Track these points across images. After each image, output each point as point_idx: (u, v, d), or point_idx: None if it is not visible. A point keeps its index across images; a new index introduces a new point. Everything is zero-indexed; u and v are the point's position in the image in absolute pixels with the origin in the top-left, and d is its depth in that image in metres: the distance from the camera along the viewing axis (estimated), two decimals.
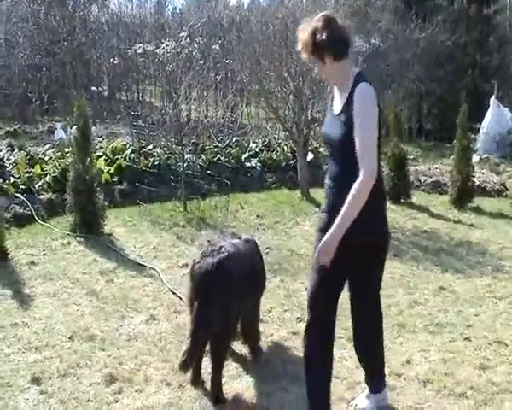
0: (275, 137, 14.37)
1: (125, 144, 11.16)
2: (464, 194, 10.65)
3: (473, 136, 17.21)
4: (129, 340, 5.35)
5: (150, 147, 11.39)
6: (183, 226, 8.70)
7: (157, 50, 9.65)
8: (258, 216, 9.49)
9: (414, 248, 8.23)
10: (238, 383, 4.76)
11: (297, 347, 5.19)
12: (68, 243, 7.73)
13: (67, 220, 8.18)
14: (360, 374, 4.61)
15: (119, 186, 9.81)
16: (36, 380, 4.63)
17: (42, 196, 9.04)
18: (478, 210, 10.47)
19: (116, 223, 8.61)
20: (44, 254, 7.36)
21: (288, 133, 10.81)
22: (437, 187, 12.21)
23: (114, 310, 5.92)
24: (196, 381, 4.67)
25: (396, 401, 4.54)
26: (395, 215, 10.04)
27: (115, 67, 17.73)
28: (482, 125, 16.14)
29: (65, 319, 5.68)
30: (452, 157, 14.70)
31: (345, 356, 5.12)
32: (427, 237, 8.84)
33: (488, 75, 18.76)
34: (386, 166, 11.01)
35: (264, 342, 5.38)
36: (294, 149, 12.68)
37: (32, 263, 7.04)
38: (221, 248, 4.66)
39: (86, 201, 7.74)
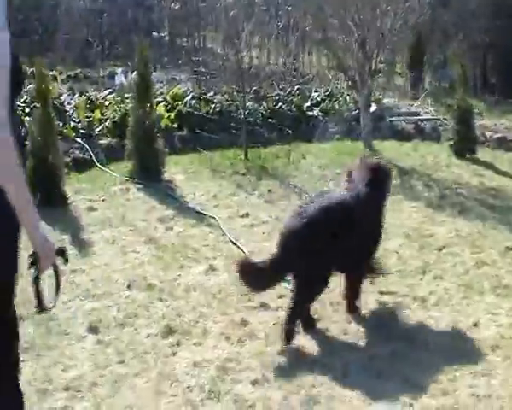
0: (337, 87, 13.93)
1: (185, 90, 10.93)
2: None
3: None
4: (187, 291, 5.19)
5: (211, 93, 11.12)
6: (244, 175, 8.48)
7: None
8: (320, 167, 9.17)
9: (480, 206, 7.79)
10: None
11: None
12: (127, 189, 7.62)
13: (126, 166, 8.06)
14: None
15: (180, 133, 9.62)
16: (93, 329, 4.52)
17: (101, 141, 8.95)
18: None
19: (176, 170, 8.44)
20: (103, 200, 7.28)
21: (351, 83, 10.35)
22: (503, 143, 11.60)
23: (173, 259, 5.77)
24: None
25: (463, 366, 4.26)
26: (460, 171, 9.58)
27: (175, 11, 17.42)
28: None
29: (123, 266, 5.57)
30: None
31: None
32: (493, 194, 8.37)
33: None
34: (452, 120, 10.54)
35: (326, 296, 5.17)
36: (357, 99, 12.28)
37: (91, 209, 6.96)
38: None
39: (146, 146, 7.60)
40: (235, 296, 5.12)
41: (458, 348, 4.47)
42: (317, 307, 4.90)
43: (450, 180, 8.98)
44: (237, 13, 9.06)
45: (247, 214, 7.08)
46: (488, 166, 9.95)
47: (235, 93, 11.13)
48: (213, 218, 6.84)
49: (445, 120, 12.98)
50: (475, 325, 4.83)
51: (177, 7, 15.39)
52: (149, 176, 7.76)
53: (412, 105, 14.05)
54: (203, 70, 12.85)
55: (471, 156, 10.25)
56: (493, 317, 4.98)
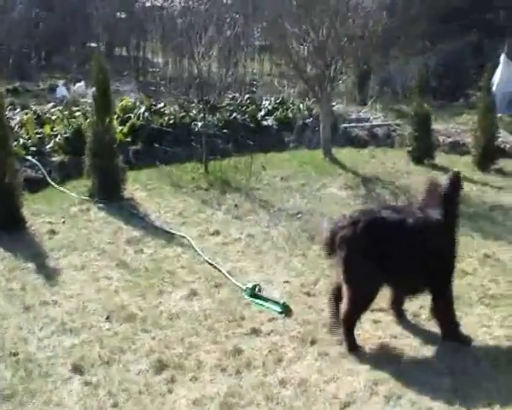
0: (288, 94, 13.79)
1: (134, 102, 10.50)
2: (488, 155, 10.17)
3: (478, 93, 16.94)
4: (171, 319, 4.85)
5: (161, 105, 10.74)
6: (206, 190, 8.16)
7: (165, 3, 8.98)
8: (282, 178, 8.94)
9: None
10: None
11: None
12: (88, 210, 7.18)
13: (85, 185, 7.61)
14: None
15: (134, 147, 9.20)
16: (77, 368, 4.13)
17: (54, 159, 8.44)
18: (502, 172, 10.01)
19: (135, 186, 8.04)
20: (64, 222, 6.81)
21: (310, 91, 10.18)
22: (456, 147, 11.71)
23: (150, 284, 5.40)
24: None
25: (471, 384, 4.11)
26: (421, 177, 9.51)
27: (113, 21, 16.87)
28: (492, 83, 15.65)
29: (98, 295, 5.16)
30: (464, 116, 14.38)
31: None
32: None
33: (494, 32, 18.12)
34: (410, 126, 10.53)
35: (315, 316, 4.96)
36: (311, 106, 12.15)
37: (53, 232, 6.49)
38: None
39: (106, 163, 7.17)
40: (223, 323, 4.82)
41: (462, 366, 4.32)
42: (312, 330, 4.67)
43: (414, 188, 8.89)
44: (187, 23, 8.69)
45: (217, 232, 6.77)
46: (446, 171, 9.92)
47: (186, 104, 10.84)
48: (184, 237, 6.49)
49: (397, 125, 13.03)
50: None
51: (123, 16, 14.85)
52: (109, 194, 7.33)
53: (360, 111, 14.07)
54: (152, 81, 12.41)
55: (429, 162, 10.26)
56: (488, 330, 4.88)
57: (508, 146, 11.43)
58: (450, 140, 11.87)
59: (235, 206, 7.65)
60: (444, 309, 4.72)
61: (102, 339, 4.47)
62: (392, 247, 4.51)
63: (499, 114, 14.23)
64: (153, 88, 12.85)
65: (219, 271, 5.71)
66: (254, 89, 13.71)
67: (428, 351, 4.53)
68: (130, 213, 7.12)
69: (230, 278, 5.55)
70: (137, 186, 8.07)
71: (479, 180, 9.40)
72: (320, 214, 7.53)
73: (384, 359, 4.43)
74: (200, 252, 6.09)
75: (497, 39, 17.13)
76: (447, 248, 4.71)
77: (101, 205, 7.25)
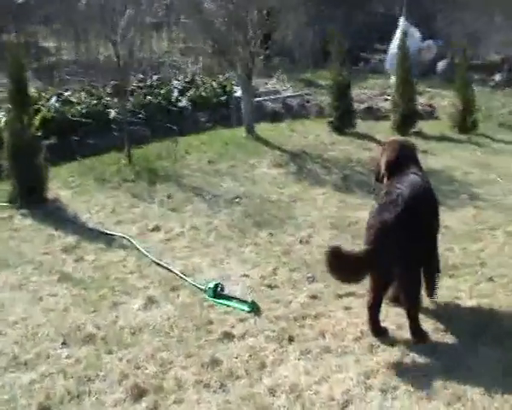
0: (193, 72, 13.34)
1: (40, 92, 9.72)
2: (408, 119, 10.25)
3: (378, 57, 17.14)
4: (134, 334, 4.40)
5: (69, 93, 10.01)
6: (133, 181, 7.68)
7: None
8: (209, 162, 8.57)
9: None
10: None
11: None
12: (11, 217, 6.53)
13: (3, 189, 6.91)
14: None
15: (47, 141, 8.44)
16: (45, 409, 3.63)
17: None
18: (422, 135, 10.16)
19: (56, 185, 7.41)
20: None
21: (230, 67, 9.78)
22: (370, 113, 11.75)
23: (101, 297, 4.91)
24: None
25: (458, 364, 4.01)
26: (347, 147, 9.48)
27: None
28: (391, 46, 15.91)
29: (47, 317, 4.59)
30: (370, 81, 14.49)
31: None
32: None
33: None
34: (330, 96, 10.39)
35: (284, 310, 4.69)
36: (224, 84, 11.76)
37: None
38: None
39: (27, 164, 6.52)
40: (191, 331, 4.44)
41: (446, 345, 4.26)
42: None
43: (343, 159, 8.79)
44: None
45: (157, 228, 6.33)
46: (369, 138, 9.92)
47: (96, 90, 10.18)
48: (124, 237, 6.02)
49: (308, 95, 12.89)
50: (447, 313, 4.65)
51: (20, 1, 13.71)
52: (32, 197, 6.69)
53: (268, 83, 13.82)
54: (47, 67, 11.58)
55: (350, 131, 10.18)
56: (459, 301, 4.85)
57: (419, 108, 11.57)
58: (364, 106, 11.87)
59: (169, 197, 7.22)
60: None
61: (65, 369, 3.95)
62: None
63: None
64: (54, 74, 12.02)
65: (172, 272, 5.30)
66: (159, 69, 13.09)
67: (407, 333, 4.35)
68: (58, 216, 6.52)
69: (187, 279, 5.16)
70: (59, 185, 7.45)
71: None
72: (258, 197, 7.27)
73: (366, 348, 4.24)
74: (145, 253, 5.64)
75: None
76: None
77: (24, 211, 6.59)
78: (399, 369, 3.99)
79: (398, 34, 15.79)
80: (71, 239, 5.98)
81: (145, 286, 5.09)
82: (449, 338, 4.35)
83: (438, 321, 4.52)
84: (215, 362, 4.05)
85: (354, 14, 18.35)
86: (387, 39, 17.08)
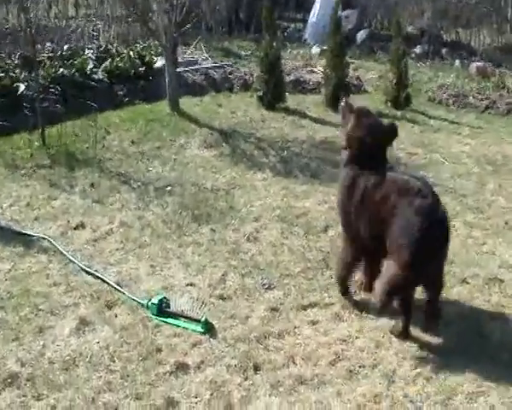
0: (106, 40, 12.30)
1: None
2: (340, 93, 9.71)
3: (295, 25, 16.56)
4: (67, 369, 3.63)
5: None
6: (50, 167, 6.74)
7: None
8: (133, 142, 7.72)
9: (326, 165, 7.20)
10: None
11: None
12: None
13: None
14: None
15: None
16: None
17: None
18: None
19: None
20: None
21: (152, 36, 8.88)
22: (297, 85, 11.16)
23: (23, 318, 4.08)
24: None
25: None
26: (279, 125, 8.85)
27: None
28: (311, 15, 15.41)
29: None
30: (289, 51, 13.84)
31: None
32: (328, 148, 7.78)
33: None
34: (260, 67, 9.70)
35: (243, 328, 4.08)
36: (143, 54, 10.82)
37: None
38: None
39: None
40: (136, 363, 3.71)
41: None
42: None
43: (277, 138, 8.17)
44: None
45: (82, 225, 5.49)
46: (301, 114, 9.35)
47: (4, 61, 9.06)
48: (44, 239, 5.15)
49: (230, 66, 12.14)
50: None
51: None
52: None
53: (185, 53, 12.95)
54: None
55: (280, 106, 9.56)
56: None
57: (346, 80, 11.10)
58: (290, 78, 11.25)
59: (92, 185, 6.37)
60: None
61: None
62: None
63: (318, 46, 13.98)
64: None
65: (105, 282, 4.53)
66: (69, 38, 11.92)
67: (389, 353, 3.84)
68: None
69: (125, 292, 4.41)
70: None
71: (336, 122, 8.87)
72: (192, 184, 6.55)
73: (344, 375, 3.68)
74: (72, 259, 4.82)
75: None
76: None
77: None
78: (387, 402, 3.46)
79: (318, 3, 15.38)
80: None
81: (75, 303, 4.29)
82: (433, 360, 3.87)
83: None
84: (171, 405, 3.37)
85: None
86: (305, 8, 16.57)
